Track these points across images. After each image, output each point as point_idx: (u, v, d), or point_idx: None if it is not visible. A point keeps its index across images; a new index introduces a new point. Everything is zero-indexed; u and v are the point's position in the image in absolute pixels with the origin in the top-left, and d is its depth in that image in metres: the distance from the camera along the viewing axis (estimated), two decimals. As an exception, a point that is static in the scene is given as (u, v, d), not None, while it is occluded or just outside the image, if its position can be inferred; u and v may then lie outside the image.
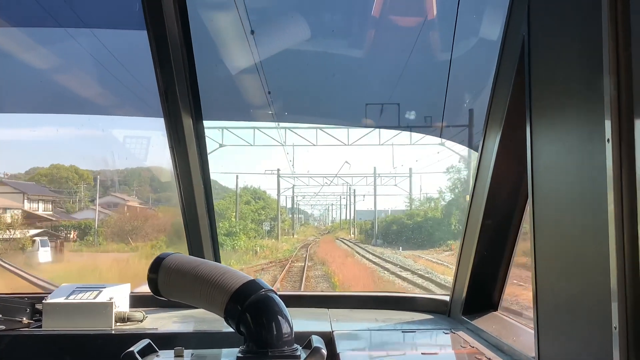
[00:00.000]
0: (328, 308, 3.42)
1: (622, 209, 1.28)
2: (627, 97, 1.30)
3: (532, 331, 1.85)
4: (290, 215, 50.38)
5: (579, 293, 1.51)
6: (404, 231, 34.28)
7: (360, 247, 35.67)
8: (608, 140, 1.31)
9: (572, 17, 1.58)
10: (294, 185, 46.86)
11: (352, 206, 50.53)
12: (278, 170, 43.89)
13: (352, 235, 48.61)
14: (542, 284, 1.75)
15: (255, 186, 42.45)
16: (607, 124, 1.32)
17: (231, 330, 2.07)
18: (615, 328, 1.28)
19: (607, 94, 1.32)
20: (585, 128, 1.48)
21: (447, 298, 3.23)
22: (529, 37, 1.89)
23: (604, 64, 1.34)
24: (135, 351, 2.04)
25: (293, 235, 47.51)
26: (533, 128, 1.81)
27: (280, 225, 41.88)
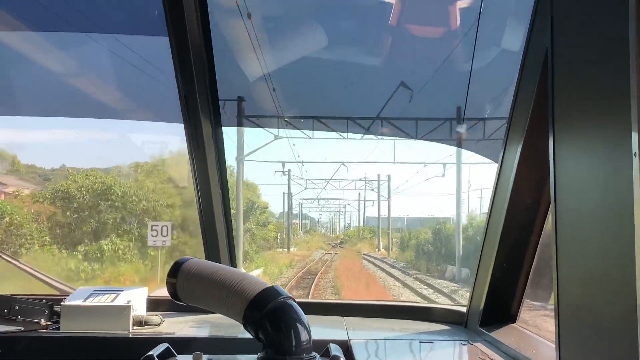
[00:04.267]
0: (344, 316, 3.41)
1: (649, 223, 1.27)
2: (655, 111, 1.29)
3: (552, 344, 1.84)
4: (286, 220, 40.91)
5: (602, 307, 1.49)
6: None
7: (429, 284, 20.66)
8: (635, 154, 1.30)
9: (596, 28, 1.57)
10: (288, 173, 39.15)
11: (380, 207, 41.27)
12: (289, 171, 39.10)
13: (381, 251, 38.38)
14: (564, 298, 1.73)
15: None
16: (635, 137, 1.31)
17: (248, 336, 2.07)
18: None
19: (635, 106, 1.31)
20: (611, 141, 1.47)
21: (464, 309, 3.22)
22: (552, 48, 1.88)
23: (630, 77, 1.33)
24: (154, 355, 2.04)
25: (288, 250, 37.12)
26: (556, 140, 1.80)
27: (270, 233, 33.42)
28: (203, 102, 3.26)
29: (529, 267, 2.73)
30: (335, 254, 37.18)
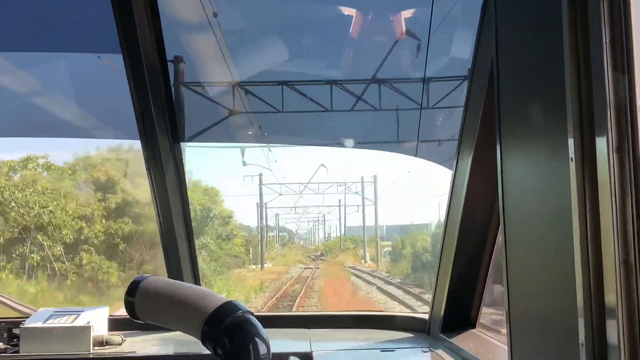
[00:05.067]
0: (309, 328, 3.42)
1: (587, 226, 1.31)
2: (589, 116, 1.33)
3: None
4: (259, 233, 35.96)
5: (548, 310, 1.53)
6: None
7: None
8: (571, 159, 1.34)
9: (536, 40, 1.62)
10: (260, 178, 34.98)
11: (365, 212, 36.84)
12: (260, 175, 34.72)
13: (369, 263, 33.93)
14: (514, 302, 1.77)
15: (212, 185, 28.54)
16: (570, 142, 1.35)
17: (209, 353, 2.07)
18: (582, 344, 1.30)
19: (570, 112, 1.35)
20: (550, 147, 1.51)
21: (427, 316, 3.25)
22: (497, 58, 1.92)
23: (566, 83, 1.37)
24: None
25: (262, 267, 32.06)
26: (502, 147, 1.84)
27: (234, 248, 27.68)
28: (160, 119, 3.24)
29: (485, 272, 2.78)
30: (317, 268, 32.25)
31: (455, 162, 2.70)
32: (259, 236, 36.18)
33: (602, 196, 1.28)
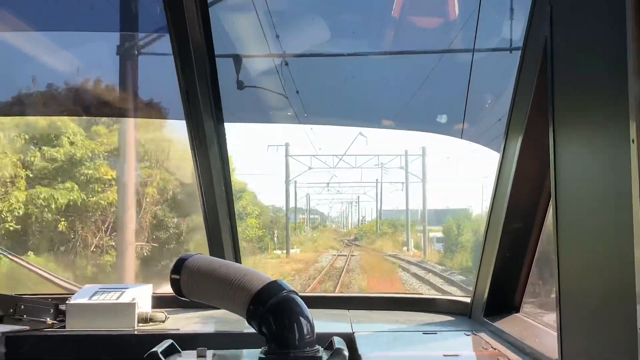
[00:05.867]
0: (348, 309, 3.42)
1: (647, 210, 1.27)
2: (652, 97, 1.28)
3: (555, 333, 1.84)
4: (286, 213, 32.25)
5: (603, 294, 1.50)
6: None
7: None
8: (633, 140, 1.30)
9: (595, 16, 1.57)
10: (286, 148, 31.08)
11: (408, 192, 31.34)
12: (287, 145, 30.86)
13: (414, 251, 28.93)
14: (565, 286, 1.74)
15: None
16: (632, 125, 1.31)
17: (253, 331, 2.09)
18: None
19: (632, 94, 1.31)
20: (609, 129, 1.47)
21: (468, 300, 3.22)
22: (552, 37, 1.87)
23: (628, 64, 1.33)
24: (159, 351, 2.06)
25: (287, 254, 27.99)
26: (556, 129, 1.80)
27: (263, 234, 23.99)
28: (205, 98, 3.26)
29: (531, 257, 2.73)
30: (352, 255, 28.17)
31: (503, 143, 2.66)
32: (285, 217, 32.30)
33: (665, 179, 1.24)
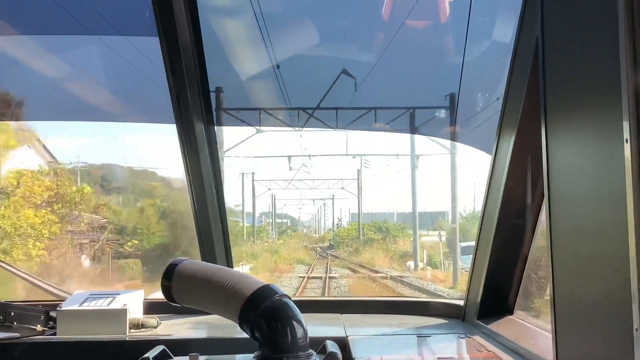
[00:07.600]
0: (341, 313, 3.40)
1: (642, 209, 1.26)
2: (646, 97, 1.28)
3: (549, 334, 1.83)
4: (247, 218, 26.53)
5: (597, 295, 1.49)
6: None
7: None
8: (626, 140, 1.29)
9: (587, 16, 1.56)
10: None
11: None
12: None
13: (429, 272, 18.62)
14: (559, 287, 1.73)
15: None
16: (625, 125, 1.30)
17: (245, 335, 2.06)
18: (637, 330, 1.26)
19: (625, 94, 1.30)
20: (602, 128, 1.46)
21: (461, 302, 3.21)
22: (543, 38, 1.87)
23: (621, 63, 1.32)
24: (150, 357, 2.04)
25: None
26: (548, 129, 1.80)
27: None
28: (194, 100, 3.25)
29: (524, 258, 2.73)
30: (331, 277, 19.19)
31: (495, 145, 2.65)
32: (219, 216, 23.28)
33: (659, 178, 1.24)
